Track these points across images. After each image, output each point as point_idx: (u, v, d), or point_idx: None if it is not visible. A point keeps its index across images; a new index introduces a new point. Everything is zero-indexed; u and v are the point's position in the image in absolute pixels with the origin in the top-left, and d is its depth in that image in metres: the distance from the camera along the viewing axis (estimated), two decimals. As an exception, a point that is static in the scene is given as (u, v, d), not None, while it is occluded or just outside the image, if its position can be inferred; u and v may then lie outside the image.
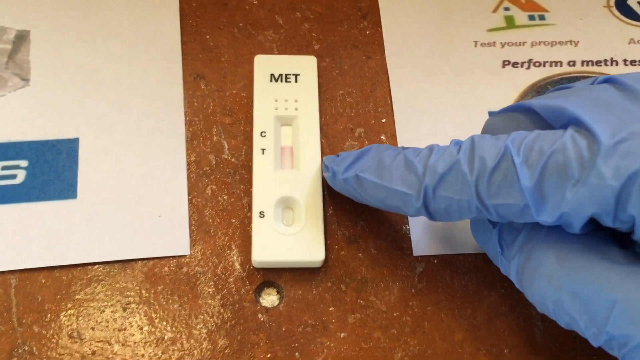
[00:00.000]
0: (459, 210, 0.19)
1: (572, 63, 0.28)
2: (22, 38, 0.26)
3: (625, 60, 0.28)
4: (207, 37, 0.27)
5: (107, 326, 0.22)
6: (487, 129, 0.21)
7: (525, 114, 0.20)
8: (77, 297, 0.22)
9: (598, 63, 0.28)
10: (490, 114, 0.26)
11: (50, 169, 0.24)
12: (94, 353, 0.21)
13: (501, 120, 0.21)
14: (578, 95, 0.19)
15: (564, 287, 0.18)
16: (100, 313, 0.22)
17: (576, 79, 0.27)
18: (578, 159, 0.17)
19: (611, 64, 0.28)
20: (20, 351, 0.21)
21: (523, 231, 0.19)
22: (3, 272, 0.22)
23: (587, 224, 0.18)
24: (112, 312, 0.22)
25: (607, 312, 0.16)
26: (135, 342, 0.21)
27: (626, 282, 0.16)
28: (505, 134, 0.18)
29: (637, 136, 0.16)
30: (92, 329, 0.21)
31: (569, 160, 0.17)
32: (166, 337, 0.22)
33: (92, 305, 0.22)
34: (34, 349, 0.21)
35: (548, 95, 0.20)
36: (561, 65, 0.27)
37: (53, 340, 0.21)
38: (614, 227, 0.17)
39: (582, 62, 0.28)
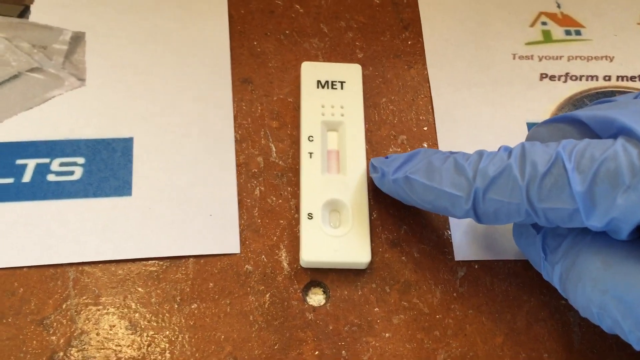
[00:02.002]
0: (507, 214, 0.20)
1: (607, 78, 0.28)
2: (77, 39, 0.27)
3: (659, 77, 0.29)
4: (255, 43, 0.28)
5: (162, 319, 0.22)
6: (531, 139, 0.22)
7: (571, 125, 0.21)
8: (132, 290, 0.23)
9: (632, 78, 0.28)
10: (529, 125, 0.27)
11: (106, 167, 0.24)
12: (149, 345, 0.22)
13: (546, 131, 0.21)
14: (625, 106, 0.19)
15: (609, 291, 0.18)
16: (154, 307, 0.23)
17: (612, 93, 0.28)
18: (629, 166, 0.17)
19: (647, 80, 0.28)
20: (77, 342, 0.22)
21: (568, 237, 0.20)
22: (62, 265, 0.23)
23: (634, 230, 0.18)
24: (165, 306, 0.23)
25: None
26: (187, 337, 0.22)
27: None
28: None
29: None
30: (148, 321, 0.22)
31: (620, 168, 0.17)
32: (217, 332, 0.22)
33: (146, 298, 0.23)
34: (91, 339, 0.22)
35: (593, 107, 0.21)
36: (597, 80, 0.28)
37: (110, 331, 0.22)
38: None
39: (617, 77, 0.28)
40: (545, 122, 0.22)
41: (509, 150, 0.20)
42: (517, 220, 0.20)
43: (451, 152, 0.22)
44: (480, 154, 0.20)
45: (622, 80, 0.28)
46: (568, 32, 0.29)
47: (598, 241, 0.19)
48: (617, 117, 0.19)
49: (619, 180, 0.17)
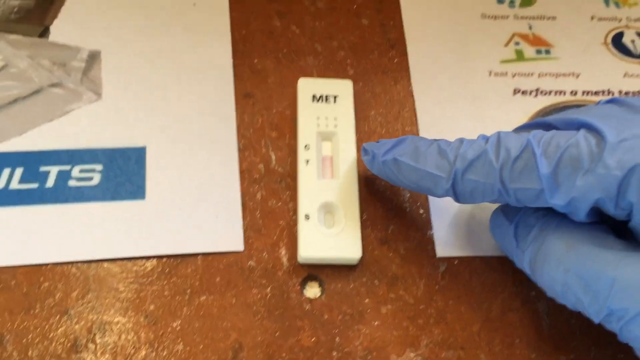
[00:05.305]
0: (482, 193, 0.22)
1: (574, 92, 0.31)
2: (94, 57, 0.29)
3: (620, 92, 0.32)
4: (255, 61, 0.31)
5: (174, 310, 0.25)
6: None
7: (544, 128, 0.24)
8: (148, 284, 0.25)
9: (597, 93, 0.32)
10: (503, 135, 0.30)
11: (122, 173, 0.27)
12: (162, 333, 0.24)
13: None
14: (587, 110, 0.22)
15: (571, 269, 0.21)
16: (167, 299, 0.25)
17: (577, 106, 0.31)
18: (588, 152, 0.20)
19: (608, 94, 0.31)
20: (98, 330, 0.24)
21: (536, 226, 0.23)
22: (83, 261, 0.25)
23: (590, 213, 0.21)
24: (177, 298, 0.25)
25: (608, 290, 0.20)
26: (196, 325, 0.25)
27: (623, 264, 0.20)
28: None
29: (638, 137, 0.20)
30: (162, 312, 0.25)
31: (581, 154, 0.20)
32: (224, 322, 0.25)
33: (159, 291, 0.25)
34: (112, 327, 0.24)
35: (560, 113, 0.24)
36: (564, 95, 0.31)
37: (128, 321, 0.24)
38: (615, 215, 0.21)
39: (583, 92, 0.31)
40: (522, 127, 0.25)
41: (486, 138, 0.23)
42: (490, 199, 0.22)
43: (435, 140, 0.24)
44: (461, 140, 0.23)
45: (588, 95, 0.31)
46: (539, 51, 0.32)
47: (561, 228, 0.22)
48: (579, 117, 0.22)
49: (579, 164, 0.20)
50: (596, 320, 0.21)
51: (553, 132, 0.22)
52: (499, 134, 0.22)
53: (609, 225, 0.22)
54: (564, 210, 0.22)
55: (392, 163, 0.24)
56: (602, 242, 0.21)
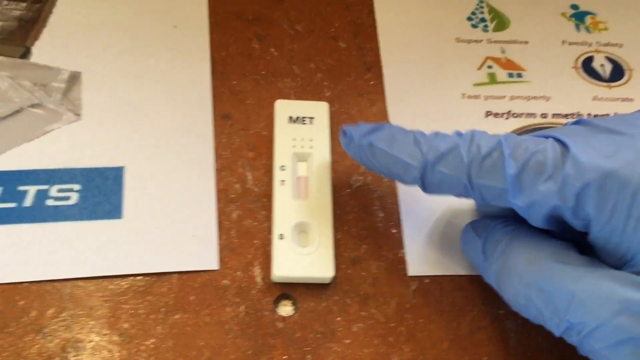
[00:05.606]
0: (449, 185, 0.23)
1: (544, 115, 0.32)
2: (74, 78, 0.30)
3: (589, 114, 0.33)
4: (234, 82, 0.31)
5: (149, 328, 0.25)
6: None
7: None
8: (122, 303, 0.26)
9: (566, 116, 0.32)
10: (475, 156, 0.31)
11: (99, 193, 0.27)
12: (137, 351, 0.25)
13: None
14: (555, 129, 0.23)
15: (533, 284, 0.22)
16: (142, 317, 0.25)
17: (547, 129, 0.32)
18: (553, 160, 0.21)
19: (577, 117, 0.32)
20: (72, 349, 0.24)
21: (503, 241, 0.24)
22: (59, 280, 0.26)
23: (551, 221, 0.22)
24: (151, 316, 0.25)
25: (567, 304, 0.21)
26: (170, 344, 0.25)
27: (583, 279, 0.21)
28: None
29: (600, 153, 0.21)
30: (136, 330, 0.25)
31: (546, 160, 0.21)
32: (197, 340, 0.25)
33: (134, 310, 0.25)
34: (85, 346, 0.25)
35: (532, 134, 0.25)
36: (535, 117, 0.32)
37: (102, 339, 0.25)
38: (573, 224, 0.22)
39: (553, 114, 0.32)
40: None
41: (461, 134, 0.23)
42: (456, 193, 0.23)
43: (412, 130, 0.25)
44: (437, 133, 0.24)
45: (558, 117, 0.32)
46: (511, 75, 0.33)
47: (526, 243, 0.23)
48: (549, 133, 0.23)
49: (544, 170, 0.21)
50: (557, 333, 0.22)
51: (525, 136, 0.22)
52: (473, 131, 0.23)
53: (573, 242, 0.23)
54: (523, 213, 0.22)
55: (367, 147, 0.25)
56: (564, 257, 0.22)
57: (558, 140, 0.22)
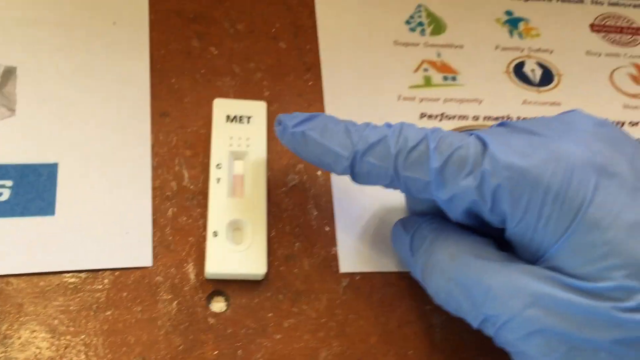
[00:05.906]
0: (377, 176, 0.24)
1: (476, 118, 0.34)
2: (9, 73, 0.30)
3: (518, 117, 0.34)
4: (173, 80, 0.32)
5: (79, 325, 0.25)
6: None
7: None
8: (53, 299, 0.26)
9: (497, 119, 0.34)
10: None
11: (32, 189, 0.27)
12: (66, 347, 0.25)
13: None
14: (480, 130, 0.25)
15: (453, 278, 0.23)
16: (72, 314, 0.26)
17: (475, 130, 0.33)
18: (474, 156, 0.22)
19: (508, 120, 0.34)
20: (0, 345, 0.24)
21: (428, 237, 0.25)
22: (-12, 277, 0.25)
23: (469, 215, 0.23)
24: (82, 313, 0.26)
25: (484, 297, 0.22)
26: (100, 340, 0.25)
27: (498, 273, 0.22)
28: None
29: (516, 152, 0.22)
30: (66, 327, 0.25)
31: (468, 156, 0.22)
32: (128, 336, 0.25)
33: (65, 306, 0.26)
34: (14, 343, 0.25)
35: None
36: (467, 119, 0.33)
37: (32, 336, 0.25)
38: (490, 220, 0.23)
39: (485, 117, 0.34)
40: None
41: (390, 126, 0.24)
42: (383, 183, 0.24)
43: (345, 120, 0.25)
44: (367, 124, 0.24)
45: (489, 120, 0.34)
46: (445, 78, 0.35)
47: (449, 239, 0.24)
48: (473, 132, 0.24)
49: (465, 166, 0.22)
50: (475, 325, 0.23)
51: (450, 131, 0.23)
52: (402, 123, 0.24)
53: (493, 239, 0.24)
54: (444, 206, 0.23)
55: (300, 136, 0.25)
56: (483, 253, 0.23)
57: (479, 137, 0.23)
